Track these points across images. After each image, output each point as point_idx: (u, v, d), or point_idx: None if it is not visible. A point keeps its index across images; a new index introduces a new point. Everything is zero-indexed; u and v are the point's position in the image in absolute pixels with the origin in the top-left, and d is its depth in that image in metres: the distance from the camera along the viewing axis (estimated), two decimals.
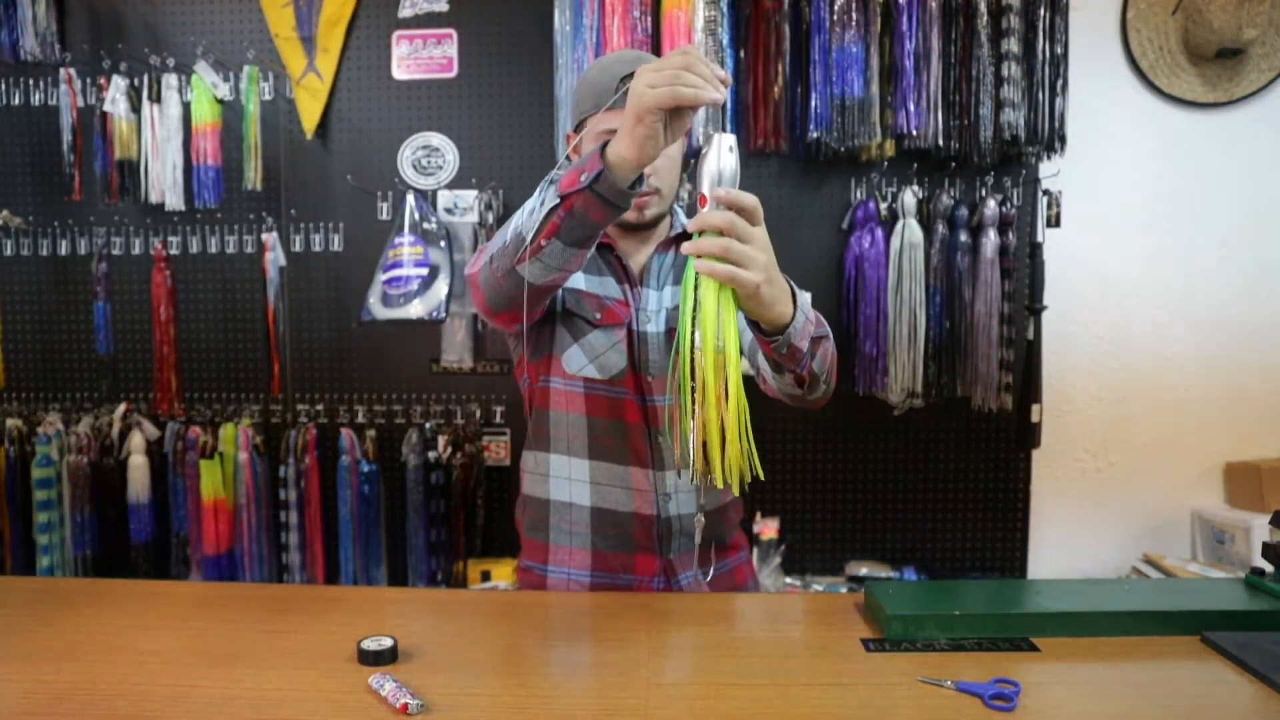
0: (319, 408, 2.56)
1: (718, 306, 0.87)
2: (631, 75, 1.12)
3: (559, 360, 1.24)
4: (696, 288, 0.88)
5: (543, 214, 0.95)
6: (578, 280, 1.26)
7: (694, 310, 0.88)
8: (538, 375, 1.27)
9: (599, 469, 1.23)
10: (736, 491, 0.90)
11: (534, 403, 1.30)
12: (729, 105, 2.31)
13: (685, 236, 1.16)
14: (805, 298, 1.03)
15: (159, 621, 1.06)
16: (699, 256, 0.87)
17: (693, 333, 0.89)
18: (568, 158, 1.24)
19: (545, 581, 1.27)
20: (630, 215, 1.22)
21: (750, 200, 0.87)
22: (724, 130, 2.30)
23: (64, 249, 2.57)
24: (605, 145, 0.92)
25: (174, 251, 2.53)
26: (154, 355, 2.49)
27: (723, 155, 0.87)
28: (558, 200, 0.94)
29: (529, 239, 0.97)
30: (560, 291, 1.25)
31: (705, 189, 0.87)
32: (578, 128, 1.22)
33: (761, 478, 0.89)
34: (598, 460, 1.23)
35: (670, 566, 1.26)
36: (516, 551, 1.36)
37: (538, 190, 0.99)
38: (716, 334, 0.87)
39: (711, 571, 1.27)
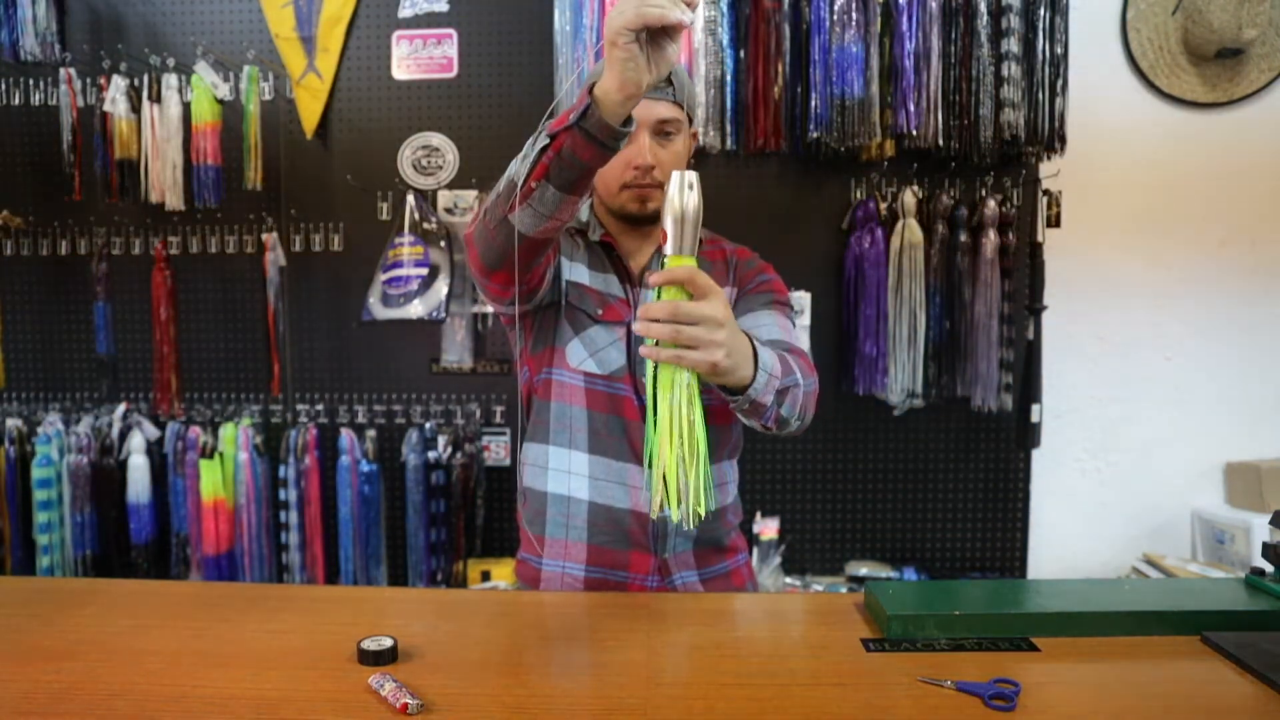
0: (319, 408, 2.56)
1: (672, 387, 0.89)
2: None
3: (562, 352, 1.24)
4: (657, 371, 0.90)
5: (533, 154, 0.95)
6: (581, 275, 1.26)
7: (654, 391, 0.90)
8: (539, 367, 1.27)
9: (598, 464, 1.23)
10: (692, 524, 0.90)
11: (535, 395, 1.30)
12: (729, 105, 2.31)
13: None
14: (767, 357, 1.01)
15: (159, 621, 1.06)
16: (649, 342, 0.88)
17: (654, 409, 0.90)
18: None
19: (540, 574, 1.27)
20: (632, 207, 1.22)
21: (682, 274, 0.87)
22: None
23: (64, 249, 2.57)
24: (594, 84, 0.92)
25: (174, 251, 2.53)
26: (154, 355, 2.49)
27: (683, 192, 0.87)
28: (547, 140, 0.94)
29: (519, 182, 0.96)
30: (564, 284, 1.25)
31: (668, 226, 0.88)
32: None
33: (703, 512, 0.90)
34: (597, 455, 1.23)
35: (665, 566, 1.26)
36: (516, 551, 1.36)
37: (531, 139, 0.99)
38: (677, 415, 0.88)
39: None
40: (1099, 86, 2.45)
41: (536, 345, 1.28)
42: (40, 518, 2.44)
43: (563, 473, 1.25)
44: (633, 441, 1.23)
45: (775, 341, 1.18)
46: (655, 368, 0.91)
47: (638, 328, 0.89)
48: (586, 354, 1.23)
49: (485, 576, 2.46)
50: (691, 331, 0.87)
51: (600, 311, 1.24)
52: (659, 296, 0.89)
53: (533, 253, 1.07)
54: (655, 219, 1.26)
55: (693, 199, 0.88)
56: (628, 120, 0.93)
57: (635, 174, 1.19)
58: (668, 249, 0.89)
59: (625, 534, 1.24)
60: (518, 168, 0.99)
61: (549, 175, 0.95)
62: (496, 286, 1.14)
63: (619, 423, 1.23)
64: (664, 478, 0.89)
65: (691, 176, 0.88)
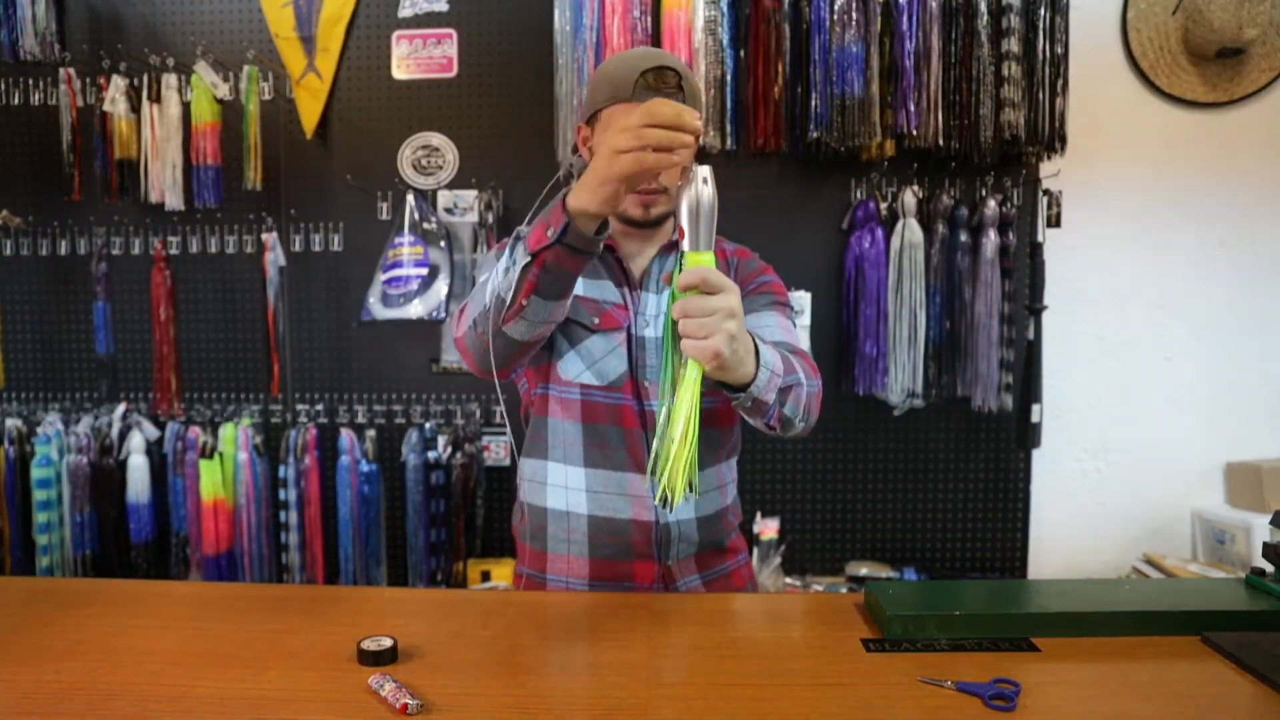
0: (319, 408, 2.56)
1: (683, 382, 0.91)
2: (652, 70, 1.13)
3: (555, 367, 1.24)
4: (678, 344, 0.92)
5: (517, 273, 0.95)
6: (576, 285, 1.26)
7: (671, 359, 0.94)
8: (535, 381, 1.27)
9: (596, 477, 1.23)
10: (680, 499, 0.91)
11: (532, 410, 1.30)
12: (729, 105, 2.31)
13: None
14: (770, 355, 1.02)
15: (159, 621, 1.06)
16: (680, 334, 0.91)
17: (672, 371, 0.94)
18: (574, 149, 1.25)
19: (544, 589, 1.27)
20: (635, 212, 1.22)
21: (695, 277, 0.88)
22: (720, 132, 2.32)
23: (64, 249, 2.57)
24: (565, 195, 0.92)
25: (174, 251, 2.53)
26: (154, 355, 2.49)
27: (697, 187, 0.88)
28: (529, 258, 0.94)
29: (509, 300, 0.97)
30: None
31: (683, 221, 0.89)
32: (589, 120, 1.21)
33: (695, 494, 0.92)
34: (594, 468, 1.23)
35: (669, 573, 1.25)
36: (516, 553, 1.36)
37: (508, 248, 1.00)
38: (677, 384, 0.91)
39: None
40: (1099, 86, 2.45)
41: (533, 360, 1.27)
42: (40, 518, 2.44)
43: (560, 488, 1.25)
44: (632, 450, 1.22)
45: (778, 343, 1.18)
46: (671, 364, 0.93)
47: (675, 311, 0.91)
48: (583, 366, 1.22)
49: (485, 576, 2.46)
50: (701, 320, 0.87)
51: (596, 320, 1.22)
52: (673, 297, 0.90)
53: (531, 349, 1.08)
54: (656, 225, 1.25)
55: (707, 192, 0.88)
56: (603, 225, 0.94)
57: None
58: (685, 244, 0.90)
59: (628, 544, 1.23)
60: (501, 283, 0.98)
61: (538, 290, 0.96)
62: (500, 378, 1.15)
63: (618, 433, 1.22)
64: (665, 461, 0.89)
65: (706, 170, 0.88)
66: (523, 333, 1.01)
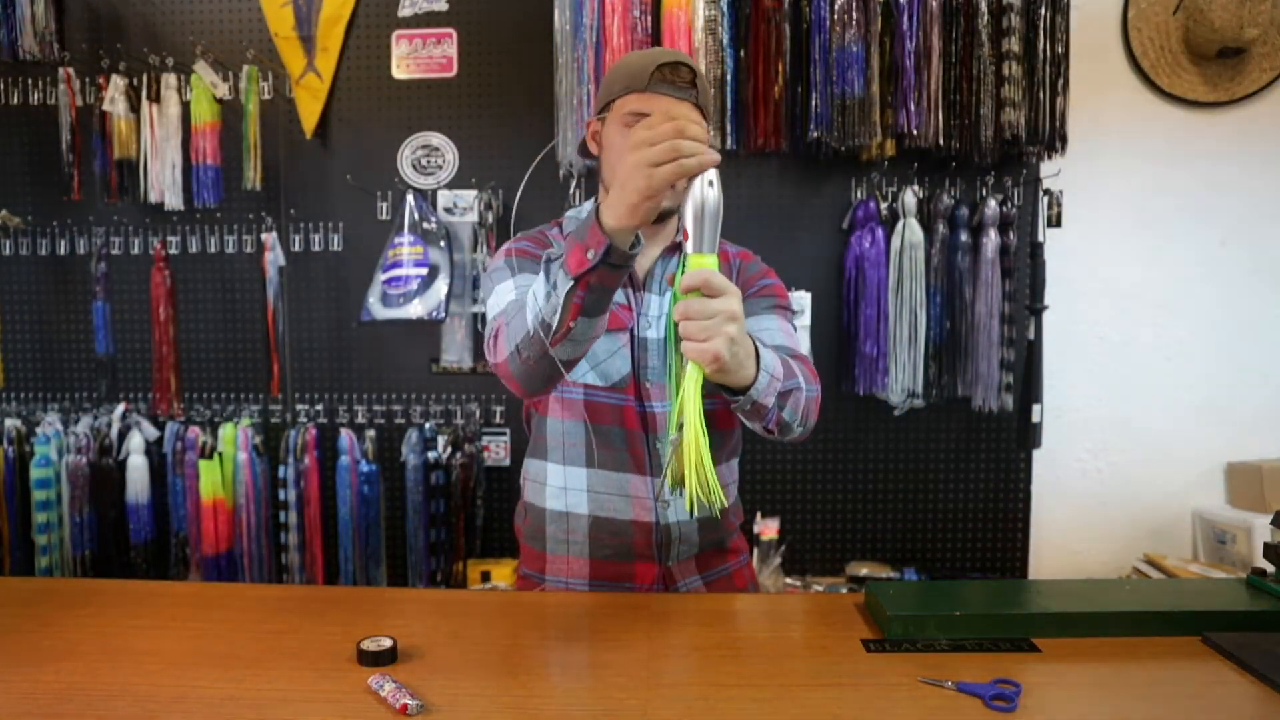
0: (319, 408, 2.56)
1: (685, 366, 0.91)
2: (668, 65, 1.14)
3: None
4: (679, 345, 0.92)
5: (561, 299, 0.95)
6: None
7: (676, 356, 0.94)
8: None
9: (597, 477, 1.23)
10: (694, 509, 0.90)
11: (534, 411, 1.30)
12: (729, 105, 2.30)
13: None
14: (770, 358, 1.02)
15: (158, 621, 1.06)
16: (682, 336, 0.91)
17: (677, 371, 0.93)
18: (584, 145, 1.24)
19: (544, 590, 1.27)
20: None
21: (697, 279, 0.88)
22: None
23: (63, 249, 2.57)
24: (598, 212, 0.91)
25: (173, 251, 2.52)
26: (153, 355, 2.49)
27: (703, 188, 0.87)
28: (572, 281, 0.93)
29: (556, 323, 0.96)
30: None
31: (688, 223, 0.89)
32: (600, 113, 1.22)
33: (724, 503, 0.91)
34: (595, 469, 1.23)
35: (669, 574, 1.25)
36: (516, 552, 1.36)
37: (542, 272, 0.99)
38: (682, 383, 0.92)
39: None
40: (1100, 86, 2.45)
41: None
42: (39, 518, 2.43)
43: (560, 489, 1.25)
44: (633, 451, 1.22)
45: (779, 347, 1.18)
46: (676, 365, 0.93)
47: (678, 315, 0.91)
48: (587, 367, 1.22)
49: (485, 577, 2.46)
50: (702, 323, 0.87)
51: None
52: (675, 299, 0.90)
53: (573, 364, 1.07)
54: (659, 221, 1.25)
55: (713, 194, 0.88)
56: (636, 240, 0.93)
57: None
58: (688, 246, 0.90)
59: (629, 545, 1.24)
60: (544, 308, 0.97)
61: (583, 310, 0.96)
62: (540, 396, 1.15)
63: (620, 434, 1.22)
64: (681, 466, 0.89)
65: (711, 172, 0.88)
66: (569, 352, 1.01)
